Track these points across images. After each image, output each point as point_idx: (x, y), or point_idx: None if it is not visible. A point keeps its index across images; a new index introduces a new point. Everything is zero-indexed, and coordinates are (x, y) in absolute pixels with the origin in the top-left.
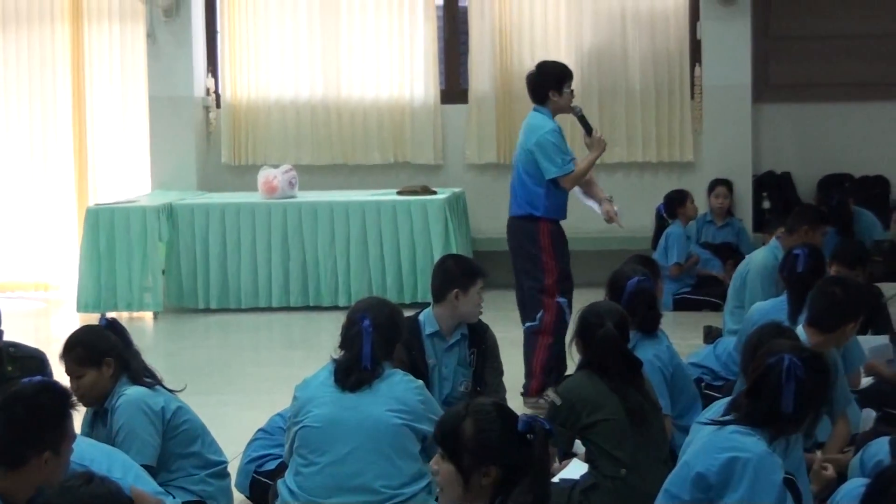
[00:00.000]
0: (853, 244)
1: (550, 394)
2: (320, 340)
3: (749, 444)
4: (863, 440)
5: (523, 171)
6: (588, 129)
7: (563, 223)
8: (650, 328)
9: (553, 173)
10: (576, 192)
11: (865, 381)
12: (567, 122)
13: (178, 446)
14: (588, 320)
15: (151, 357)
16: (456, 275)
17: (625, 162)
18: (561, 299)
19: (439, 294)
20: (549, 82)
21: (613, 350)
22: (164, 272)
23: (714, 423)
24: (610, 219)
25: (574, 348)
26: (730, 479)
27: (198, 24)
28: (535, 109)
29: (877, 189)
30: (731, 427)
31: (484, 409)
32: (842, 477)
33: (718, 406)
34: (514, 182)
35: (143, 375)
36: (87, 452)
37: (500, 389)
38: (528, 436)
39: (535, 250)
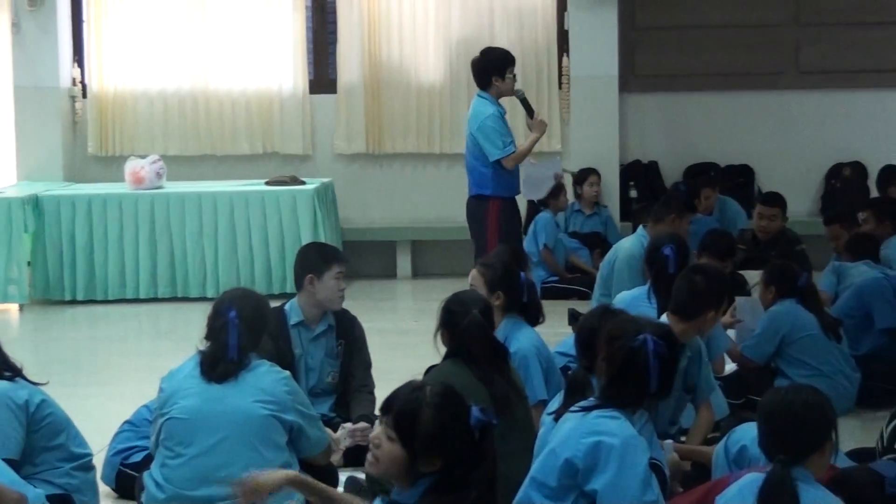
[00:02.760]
0: (722, 235)
1: None
2: (188, 331)
3: (614, 427)
4: (726, 427)
5: (471, 155)
6: (530, 112)
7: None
8: (530, 319)
9: (496, 155)
10: (526, 165)
11: (729, 368)
12: (507, 104)
13: (42, 439)
14: (452, 309)
15: (17, 349)
16: (310, 260)
17: None
18: None
19: (298, 281)
20: (492, 68)
21: (480, 337)
22: (29, 264)
23: (581, 409)
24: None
25: (439, 340)
26: (596, 463)
27: (63, 14)
28: (478, 95)
29: (741, 178)
30: (596, 412)
31: (445, 400)
32: (705, 468)
33: (558, 398)
34: (467, 165)
35: (2, 370)
36: None
37: (369, 382)
38: (475, 430)
39: (482, 228)
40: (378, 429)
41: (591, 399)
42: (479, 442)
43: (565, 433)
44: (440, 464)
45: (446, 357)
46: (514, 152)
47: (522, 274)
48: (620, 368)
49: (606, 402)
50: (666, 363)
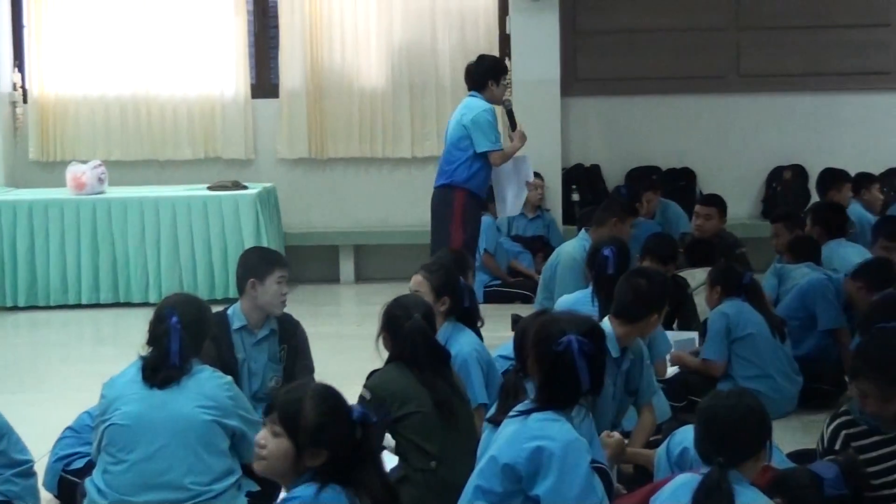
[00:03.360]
0: (664, 239)
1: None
2: (130, 337)
3: (554, 431)
4: (668, 429)
5: (452, 146)
6: (513, 124)
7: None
8: (469, 321)
9: (486, 147)
10: (502, 178)
11: (671, 371)
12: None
13: None
14: (394, 313)
15: None
16: (252, 264)
17: (436, 155)
18: None
19: (240, 285)
20: (490, 73)
21: (422, 341)
22: None
23: (520, 413)
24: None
25: (381, 344)
26: (539, 468)
27: (3, 19)
28: (470, 95)
29: (683, 181)
30: (536, 415)
31: (325, 393)
32: (647, 471)
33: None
34: (444, 155)
35: None
36: None
37: None
38: (357, 425)
39: (446, 217)
40: (263, 430)
41: (528, 402)
42: (362, 440)
43: (506, 439)
44: (325, 457)
45: (388, 361)
46: (501, 150)
47: (462, 279)
48: (549, 372)
49: (544, 405)
50: (594, 360)
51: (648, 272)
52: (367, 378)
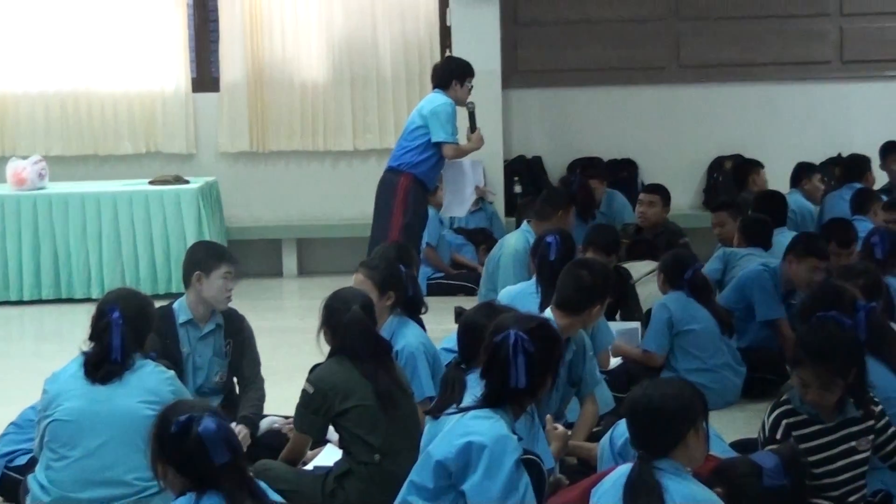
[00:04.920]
0: (607, 230)
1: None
2: (73, 333)
3: (484, 427)
4: (609, 421)
5: (407, 133)
6: (473, 126)
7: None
8: (413, 311)
9: (441, 137)
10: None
11: (614, 362)
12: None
13: None
14: (333, 307)
15: None
16: (199, 258)
17: (377, 148)
18: None
19: (186, 278)
20: (455, 72)
21: (362, 332)
22: None
23: (459, 410)
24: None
25: (322, 339)
26: (468, 463)
27: None
28: (435, 91)
29: (625, 172)
30: (472, 412)
31: (167, 411)
32: (590, 464)
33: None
34: (396, 144)
35: None
36: None
37: (258, 380)
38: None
39: (389, 199)
40: None
41: (472, 399)
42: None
43: (441, 435)
44: (165, 471)
45: (331, 355)
46: (457, 143)
47: (402, 267)
48: (486, 364)
49: (483, 402)
50: (533, 359)
51: (591, 263)
52: (310, 372)
